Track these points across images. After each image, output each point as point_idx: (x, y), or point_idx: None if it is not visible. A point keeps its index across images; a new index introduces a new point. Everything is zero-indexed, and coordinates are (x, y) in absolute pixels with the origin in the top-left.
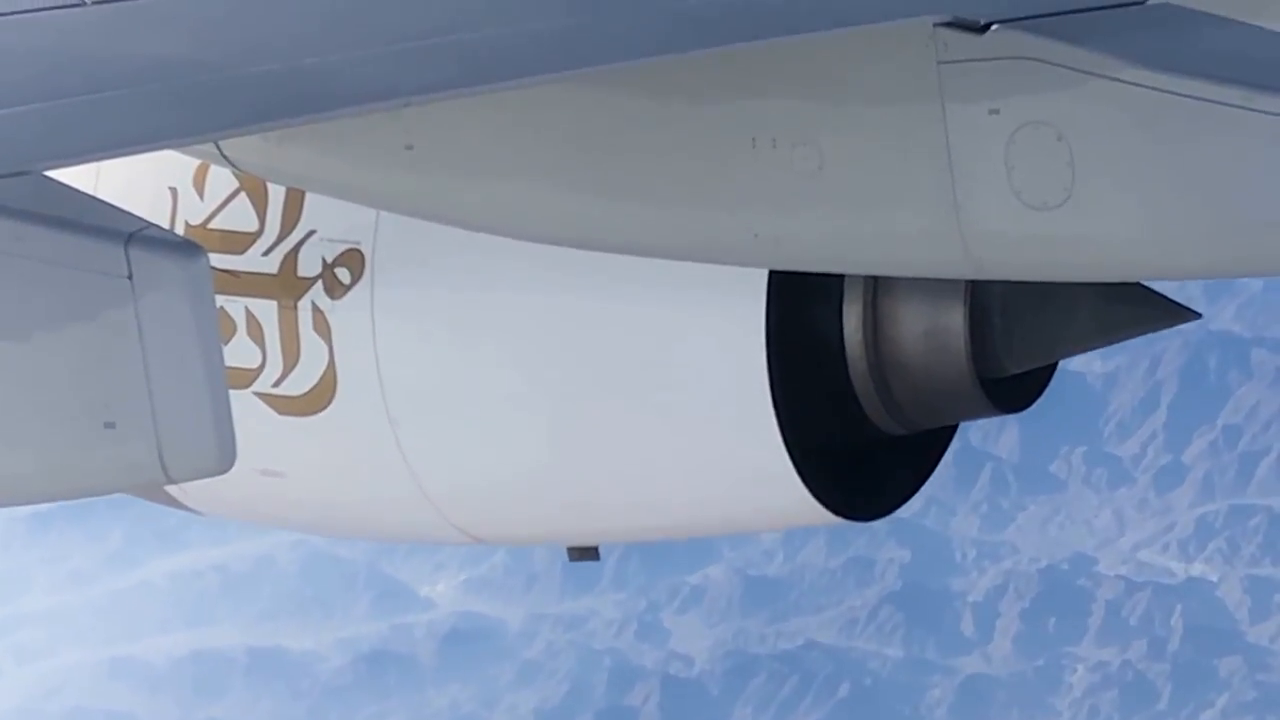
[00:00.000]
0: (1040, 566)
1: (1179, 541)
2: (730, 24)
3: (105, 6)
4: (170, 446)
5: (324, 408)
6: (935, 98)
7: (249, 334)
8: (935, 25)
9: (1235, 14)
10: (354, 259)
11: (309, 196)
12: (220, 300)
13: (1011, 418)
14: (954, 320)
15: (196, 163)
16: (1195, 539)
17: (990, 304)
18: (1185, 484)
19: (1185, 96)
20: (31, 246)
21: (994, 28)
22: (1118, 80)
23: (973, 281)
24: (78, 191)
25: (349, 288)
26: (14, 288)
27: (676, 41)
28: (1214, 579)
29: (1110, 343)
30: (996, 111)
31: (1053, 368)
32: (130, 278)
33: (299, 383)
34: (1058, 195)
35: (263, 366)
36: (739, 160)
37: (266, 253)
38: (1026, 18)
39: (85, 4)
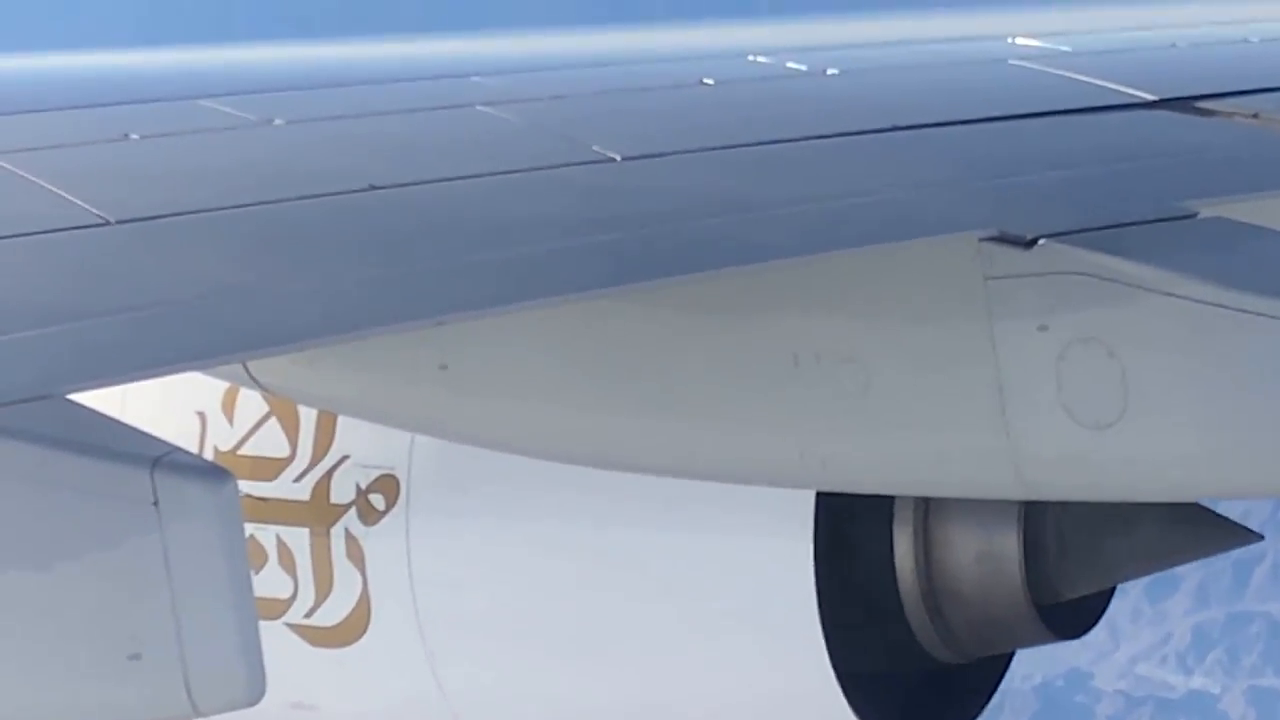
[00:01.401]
0: (1035, 684)
1: (1177, 653)
2: (770, 239)
3: (130, 225)
4: (198, 679)
5: (358, 639)
6: (983, 314)
7: (280, 563)
8: (981, 240)
9: None
10: (388, 485)
11: (342, 420)
12: (250, 528)
13: None
14: (1008, 544)
15: (225, 386)
16: (1194, 649)
17: (1045, 527)
18: (1179, 592)
19: (1239, 311)
20: (54, 473)
21: (1041, 242)
22: (1170, 295)
23: (1027, 503)
24: (102, 415)
25: (383, 514)
26: (36, 516)
27: (717, 258)
28: (1215, 691)
29: (1170, 565)
30: (1046, 328)
31: (1110, 591)
32: (156, 504)
33: (332, 613)
34: (1111, 413)
35: (295, 596)
36: (782, 378)
37: (298, 479)
38: (1075, 231)
39: (109, 223)
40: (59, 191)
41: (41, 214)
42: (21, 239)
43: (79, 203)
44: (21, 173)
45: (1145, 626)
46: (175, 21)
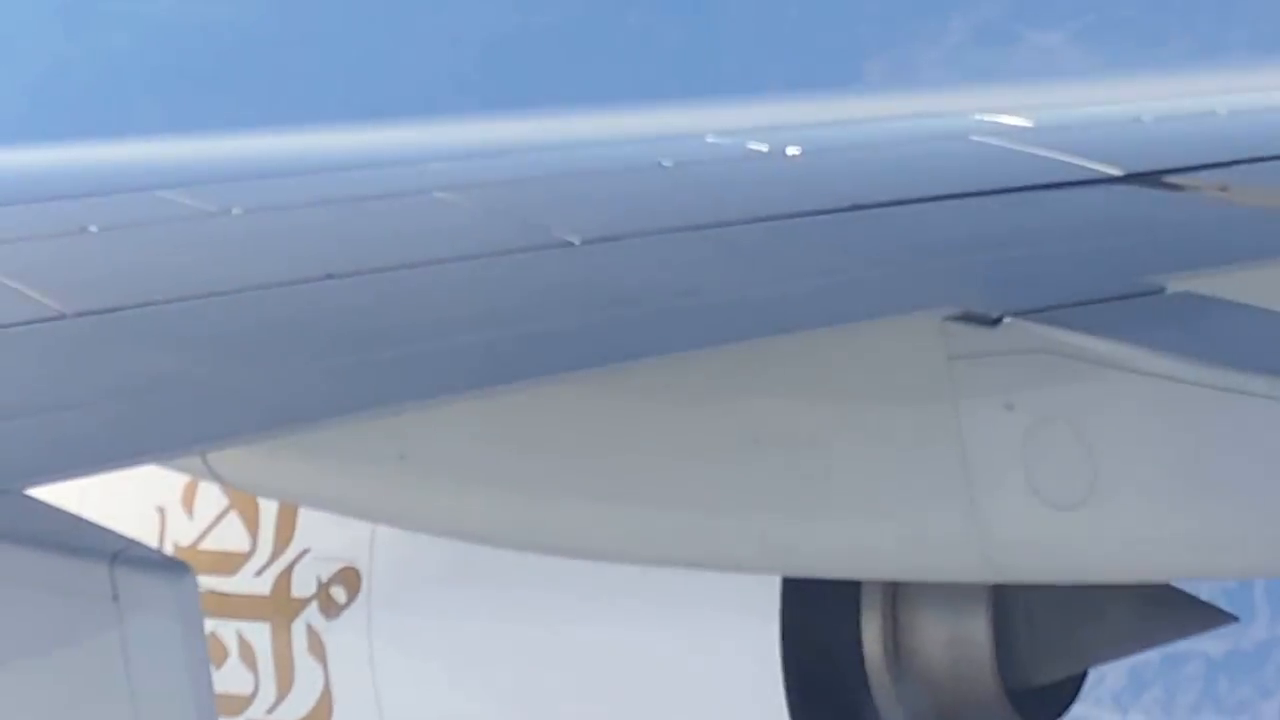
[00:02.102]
0: None
1: (1113, 694)
2: (728, 320)
3: (86, 318)
4: None
5: None
6: (948, 394)
7: (241, 659)
8: (945, 319)
9: (1259, 300)
10: (350, 577)
11: (302, 513)
12: (211, 623)
13: None
14: (978, 628)
15: (185, 479)
16: (1129, 690)
17: (1015, 610)
18: None
19: (1209, 387)
20: (11, 568)
21: (1006, 320)
22: (1138, 372)
23: (996, 586)
24: (59, 510)
25: (344, 607)
26: None
27: (672, 340)
28: None
29: (1144, 648)
30: (1012, 407)
31: (1083, 676)
32: (115, 599)
33: (294, 708)
34: (1079, 493)
35: (256, 693)
36: (743, 462)
37: (259, 573)
38: (1041, 309)
39: (65, 316)
40: (13, 284)
41: None
42: None
43: (34, 295)
44: None
45: None
46: (131, 112)
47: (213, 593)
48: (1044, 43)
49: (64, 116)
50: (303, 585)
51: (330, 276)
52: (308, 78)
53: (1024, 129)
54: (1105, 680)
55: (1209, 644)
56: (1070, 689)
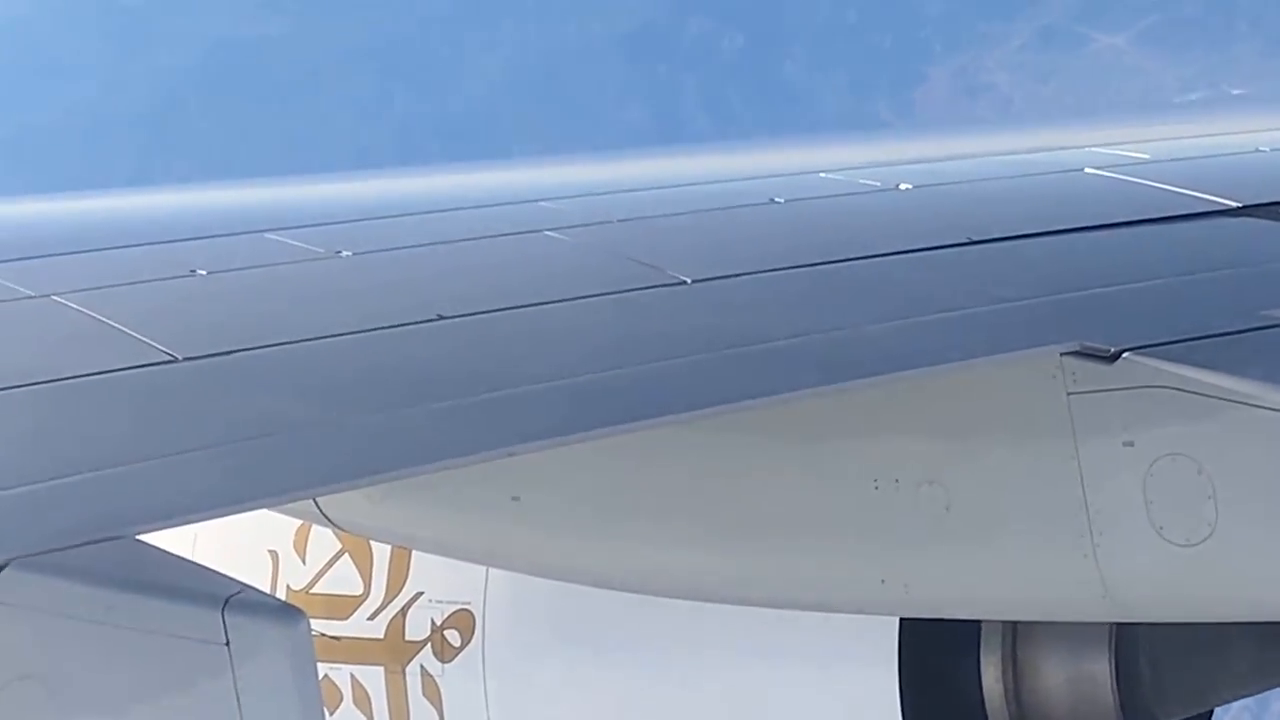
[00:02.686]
0: None
1: None
2: (847, 360)
3: (197, 362)
4: None
5: None
6: (1066, 431)
7: (355, 703)
8: (1063, 355)
9: None
10: (464, 620)
11: (415, 556)
12: (324, 667)
13: None
14: (1099, 668)
15: (297, 524)
16: None
17: (1137, 649)
18: None
19: None
20: (123, 614)
21: (1125, 355)
22: (1258, 407)
23: (1118, 625)
24: (171, 555)
25: (459, 650)
26: (106, 658)
27: (792, 380)
28: None
29: (1268, 686)
30: (1131, 444)
31: (1208, 715)
32: (228, 644)
33: None
34: (1200, 530)
35: None
36: (862, 503)
37: (372, 617)
38: (1159, 344)
39: (176, 360)
40: (125, 329)
41: (108, 353)
42: (88, 379)
43: (146, 340)
44: (88, 312)
45: None
46: (189, 129)
47: (326, 637)
48: (1110, 45)
49: (122, 134)
50: (417, 628)
51: (441, 318)
52: (362, 92)
53: (1140, 161)
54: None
55: None
56: None
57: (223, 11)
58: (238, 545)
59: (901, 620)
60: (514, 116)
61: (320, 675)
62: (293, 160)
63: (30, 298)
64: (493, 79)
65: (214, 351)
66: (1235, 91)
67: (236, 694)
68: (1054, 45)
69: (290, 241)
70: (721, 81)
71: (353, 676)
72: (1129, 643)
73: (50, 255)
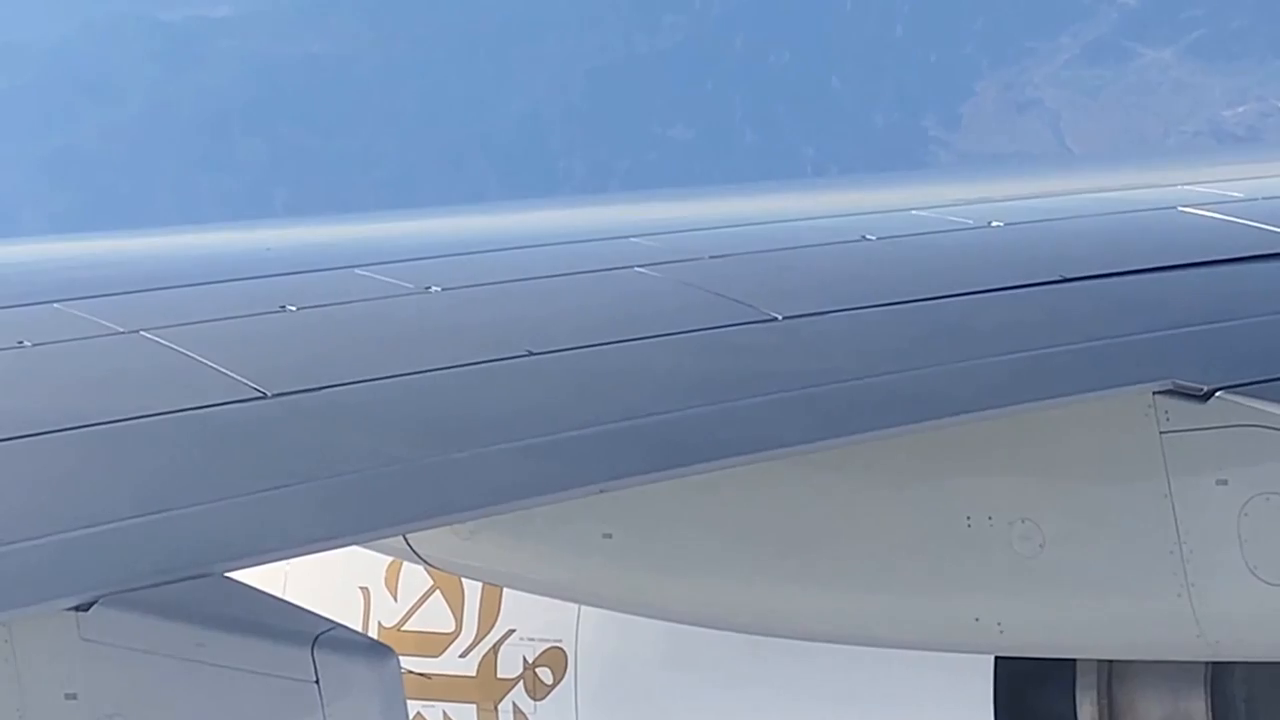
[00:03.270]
0: None
1: None
2: (938, 398)
3: (287, 398)
4: None
5: None
6: (1160, 470)
7: None
8: (1155, 394)
9: None
10: (556, 658)
11: (507, 593)
12: (416, 705)
13: None
14: (1195, 708)
15: (389, 561)
16: None
17: (1234, 689)
18: None
19: None
20: (213, 652)
21: (1218, 394)
22: None
23: (1214, 664)
24: (261, 593)
25: (552, 688)
26: (195, 695)
27: (883, 419)
28: None
29: None
30: (1225, 482)
31: None
32: (317, 682)
33: None
34: None
35: None
36: (955, 541)
37: (464, 654)
38: (1252, 382)
39: (266, 396)
40: (216, 366)
41: (199, 389)
42: (177, 415)
43: (236, 377)
44: (179, 348)
45: None
46: (235, 148)
47: (418, 674)
48: (1157, 59)
49: (168, 151)
50: (509, 666)
51: (531, 354)
52: (408, 111)
53: (1234, 200)
54: None
55: None
56: None
57: (267, 33)
58: (329, 582)
59: (996, 659)
60: (561, 134)
61: (412, 713)
62: (339, 180)
63: (120, 333)
64: (539, 97)
65: (304, 388)
66: None
67: None
68: (1101, 60)
69: (379, 277)
70: (769, 97)
71: (445, 715)
72: (1224, 681)
73: (140, 291)
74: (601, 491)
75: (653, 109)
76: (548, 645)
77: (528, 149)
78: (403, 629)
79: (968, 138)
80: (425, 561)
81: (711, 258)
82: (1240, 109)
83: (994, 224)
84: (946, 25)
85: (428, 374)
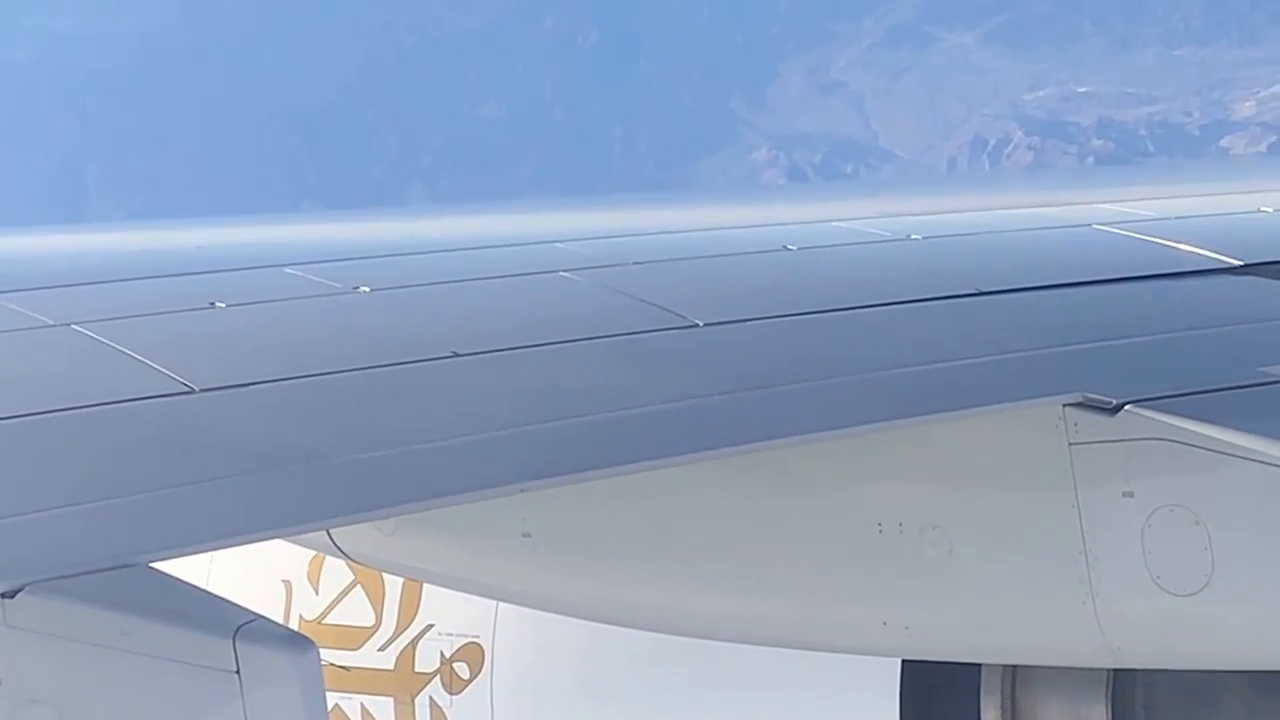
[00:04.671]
0: None
1: None
2: (852, 406)
3: (213, 393)
4: None
5: None
6: (1068, 480)
7: None
8: (1065, 406)
9: None
10: (473, 653)
11: (426, 589)
12: (335, 697)
13: None
14: (1096, 712)
15: (311, 555)
16: None
17: (1134, 695)
18: None
19: None
20: (136, 640)
21: (1126, 408)
22: (1257, 461)
23: (1115, 671)
24: (184, 584)
25: (468, 682)
26: (118, 683)
27: (798, 425)
28: None
29: None
30: (1131, 494)
31: None
32: (238, 672)
33: None
34: (1197, 580)
35: None
36: (865, 546)
37: (383, 648)
38: (1160, 397)
39: (193, 391)
40: (144, 360)
41: (126, 383)
42: (105, 408)
43: (164, 370)
44: (107, 341)
45: None
46: (45, 126)
47: (337, 666)
48: (958, 43)
49: None
50: (426, 660)
51: (456, 355)
52: (216, 85)
53: (1146, 219)
54: None
55: None
56: None
57: (71, 10)
58: (251, 575)
59: (903, 662)
60: (374, 111)
61: (330, 705)
62: (150, 158)
63: (50, 326)
64: (350, 74)
65: (231, 383)
66: (1081, 89)
67: None
68: (903, 44)
69: (309, 276)
70: (578, 77)
71: (362, 706)
72: (1126, 689)
73: (71, 285)
74: (522, 491)
75: (464, 87)
76: (465, 641)
77: (340, 125)
78: (323, 622)
79: (774, 119)
80: (347, 556)
81: (635, 264)
82: (1041, 93)
83: (913, 237)
84: (752, 8)
85: (354, 372)
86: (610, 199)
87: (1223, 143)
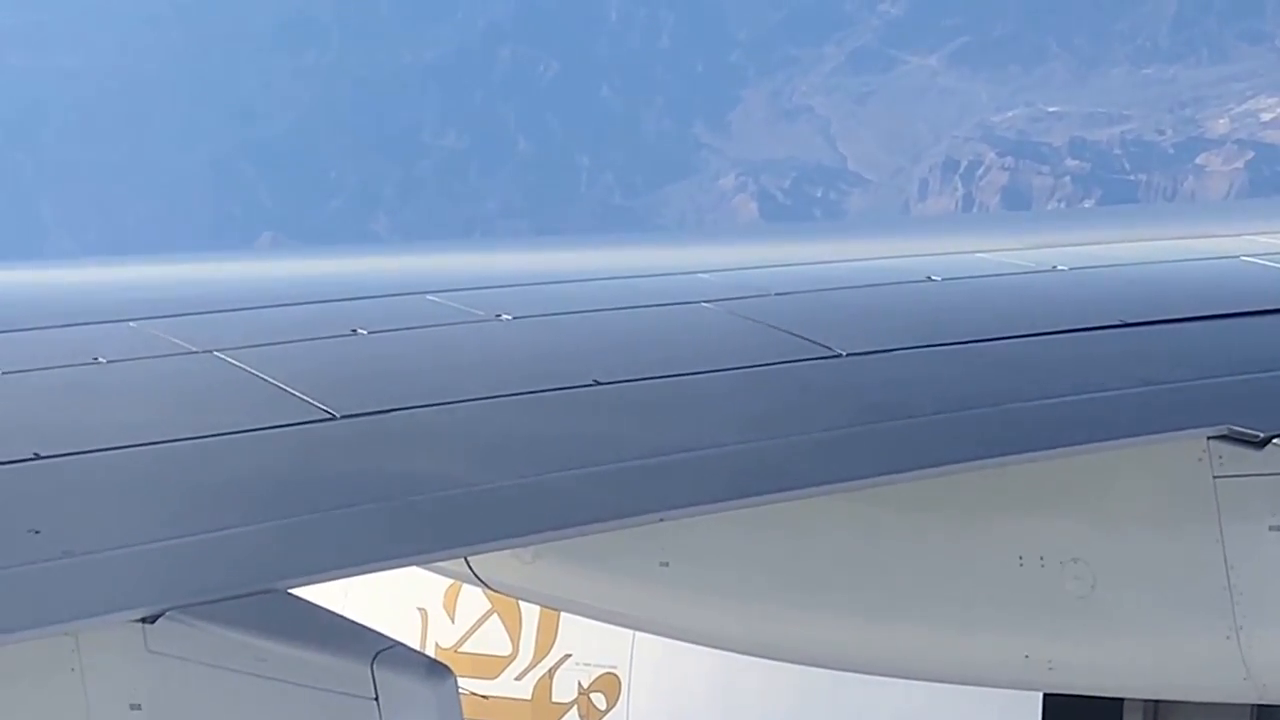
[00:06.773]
0: None
1: None
2: (995, 438)
3: (355, 420)
4: None
5: None
6: (1212, 514)
7: None
8: (1210, 439)
9: None
10: (610, 683)
11: (564, 618)
12: None
13: None
14: None
15: (448, 582)
16: None
17: None
18: None
19: None
20: (274, 666)
21: (1274, 441)
22: None
23: (1259, 707)
24: (322, 609)
25: (605, 713)
26: (256, 708)
27: (940, 456)
28: None
29: None
30: (1278, 528)
31: None
32: (376, 699)
33: None
34: None
35: None
36: (1007, 579)
37: (520, 677)
38: None
39: (335, 418)
40: (285, 387)
41: (268, 410)
42: (247, 435)
43: (306, 398)
44: (251, 369)
45: None
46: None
47: (474, 695)
48: (922, 65)
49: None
50: (564, 690)
51: (597, 383)
52: (172, 120)
53: None
54: None
55: None
56: None
57: (20, 46)
58: (387, 602)
59: (1045, 696)
60: (330, 145)
61: None
62: (104, 191)
63: (194, 353)
64: (305, 108)
65: (372, 410)
66: (1050, 109)
67: None
68: (866, 68)
69: (450, 304)
70: (539, 107)
71: None
72: None
73: (214, 312)
74: (661, 520)
75: (423, 119)
76: (602, 671)
77: (297, 159)
78: (459, 650)
79: (739, 145)
80: (485, 584)
81: (777, 294)
82: (1010, 114)
83: (1058, 268)
84: (710, 35)
85: (494, 400)
86: (741, 231)
87: (1199, 160)
